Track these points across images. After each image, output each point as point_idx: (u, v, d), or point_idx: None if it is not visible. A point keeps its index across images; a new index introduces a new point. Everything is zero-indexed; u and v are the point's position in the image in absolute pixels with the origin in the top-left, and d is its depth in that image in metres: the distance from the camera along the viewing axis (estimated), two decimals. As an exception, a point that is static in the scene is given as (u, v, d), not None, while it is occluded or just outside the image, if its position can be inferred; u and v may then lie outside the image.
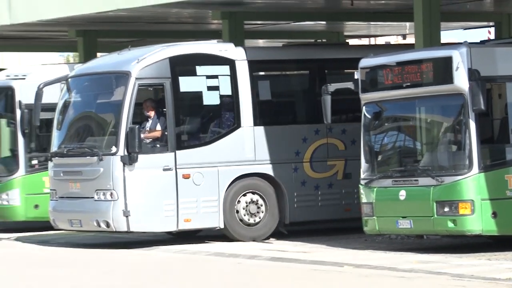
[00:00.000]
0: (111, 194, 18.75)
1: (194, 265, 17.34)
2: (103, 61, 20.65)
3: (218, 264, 17.24)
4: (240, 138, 19.44)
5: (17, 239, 21.49)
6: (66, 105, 19.74)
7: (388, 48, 22.55)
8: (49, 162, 19.96)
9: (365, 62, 17.13)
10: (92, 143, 19.13)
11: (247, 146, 19.50)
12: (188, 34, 25.71)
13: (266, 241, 19.66)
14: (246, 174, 19.45)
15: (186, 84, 19.29)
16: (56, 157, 19.52)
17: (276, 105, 20.09)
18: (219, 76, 19.49)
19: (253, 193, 19.54)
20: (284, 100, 20.37)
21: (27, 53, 41.46)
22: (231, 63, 19.37)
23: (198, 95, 19.44)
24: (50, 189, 19.78)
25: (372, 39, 36.07)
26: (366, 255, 17.15)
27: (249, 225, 19.61)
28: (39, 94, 19.91)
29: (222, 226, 19.28)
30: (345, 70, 20.81)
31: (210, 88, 19.45)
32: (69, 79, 19.67)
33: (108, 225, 18.81)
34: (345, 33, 27.58)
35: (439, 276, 14.61)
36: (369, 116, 17.75)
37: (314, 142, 19.94)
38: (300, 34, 26.42)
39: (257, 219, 19.62)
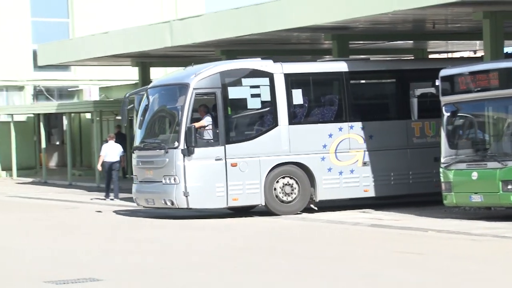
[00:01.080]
0: (174, 179, 19.64)
1: (316, 229, 18.36)
2: (173, 75, 22.17)
3: (331, 229, 18.30)
4: (278, 135, 20.22)
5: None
6: (144, 109, 20.77)
7: (455, 61, 22.30)
8: (132, 154, 21.17)
9: (445, 72, 17.77)
10: (161, 139, 20.35)
11: (283, 140, 20.23)
12: (305, 52, 26.41)
13: (366, 210, 20.55)
14: (282, 163, 20.21)
15: (234, 92, 20.13)
16: (136, 150, 20.72)
17: (307, 108, 20.71)
18: (260, 86, 20.27)
19: (288, 177, 20.25)
20: (313, 104, 20.93)
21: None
22: (270, 75, 20.26)
23: (243, 101, 20.24)
24: (133, 175, 21.13)
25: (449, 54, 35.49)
26: (445, 222, 18.28)
27: (284, 202, 20.16)
28: (125, 102, 20.84)
29: (263, 204, 20.15)
30: (362, 81, 21.95)
31: (253, 95, 20.24)
32: (148, 90, 21.03)
33: (172, 203, 19.87)
34: (428, 50, 27.71)
35: (504, 239, 15.91)
36: (447, 114, 18.73)
37: (338, 137, 20.56)
38: (392, 51, 27.19)
39: (290, 198, 20.20)
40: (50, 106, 36.80)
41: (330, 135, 20.39)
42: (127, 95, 21.16)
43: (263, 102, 20.21)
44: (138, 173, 20.69)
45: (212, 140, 19.70)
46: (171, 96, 20.32)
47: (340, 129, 20.46)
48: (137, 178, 20.71)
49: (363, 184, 20.57)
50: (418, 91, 19.32)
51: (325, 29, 22.63)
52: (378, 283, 11.78)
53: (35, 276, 12.97)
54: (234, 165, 19.67)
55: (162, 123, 20.71)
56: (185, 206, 19.67)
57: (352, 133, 20.53)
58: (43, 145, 35.40)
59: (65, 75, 40.44)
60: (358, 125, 20.57)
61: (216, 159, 19.61)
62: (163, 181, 19.74)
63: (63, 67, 37.67)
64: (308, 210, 20.35)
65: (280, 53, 27.14)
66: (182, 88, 19.80)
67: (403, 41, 26.68)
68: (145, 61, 30.29)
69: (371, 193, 20.70)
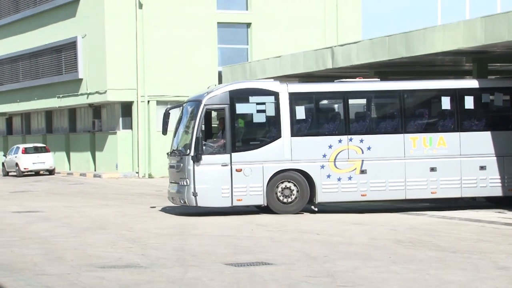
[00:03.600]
0: (186, 181, 19.53)
1: (458, 227, 17.29)
2: (195, 94, 21.37)
3: (469, 226, 17.26)
4: (280, 145, 19.75)
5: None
6: (177, 121, 20.68)
7: None
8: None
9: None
10: (180, 148, 20.12)
11: (285, 150, 19.76)
12: (448, 73, 24.96)
13: (500, 210, 19.72)
14: (284, 169, 19.77)
15: (241, 108, 19.82)
16: (168, 156, 20.68)
17: (309, 122, 20.18)
18: (266, 103, 19.88)
19: (287, 182, 19.78)
20: (314, 119, 20.36)
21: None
22: (276, 94, 19.86)
23: (249, 116, 19.95)
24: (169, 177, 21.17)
25: None
26: None
27: (283, 203, 19.74)
28: (166, 115, 20.52)
29: (265, 204, 19.73)
30: (360, 100, 20.86)
31: (259, 111, 19.92)
32: (183, 105, 20.80)
33: (184, 202, 19.75)
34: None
35: None
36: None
37: (338, 148, 19.88)
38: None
39: (290, 200, 19.76)
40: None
41: (330, 146, 19.75)
42: (167, 108, 20.77)
43: (268, 117, 19.83)
44: (169, 176, 20.71)
45: (219, 149, 19.49)
46: (191, 111, 19.98)
47: (340, 141, 19.78)
48: (169, 180, 20.71)
49: (360, 189, 19.80)
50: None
51: (466, 53, 21.65)
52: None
53: (218, 259, 12.79)
54: (239, 170, 19.39)
55: (184, 133, 20.11)
56: (194, 205, 19.44)
57: (351, 145, 19.81)
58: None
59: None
60: (357, 137, 19.83)
61: (223, 165, 19.36)
62: (180, 183, 19.75)
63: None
64: (309, 210, 19.93)
65: (426, 74, 26.24)
66: (197, 104, 19.66)
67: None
68: (310, 80, 29.94)
69: (368, 197, 19.95)
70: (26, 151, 42.66)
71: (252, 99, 19.83)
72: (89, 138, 43.33)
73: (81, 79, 42.01)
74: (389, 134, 20.06)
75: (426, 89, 20.73)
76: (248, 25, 41.45)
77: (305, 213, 20.01)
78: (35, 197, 26.88)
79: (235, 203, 19.49)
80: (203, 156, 19.30)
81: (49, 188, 31.95)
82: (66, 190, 30.53)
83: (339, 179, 19.74)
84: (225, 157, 19.41)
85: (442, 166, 19.91)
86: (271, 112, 19.77)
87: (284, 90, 19.87)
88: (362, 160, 19.77)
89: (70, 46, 42.80)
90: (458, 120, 20.13)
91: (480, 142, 20.03)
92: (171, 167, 20.45)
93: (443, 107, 20.14)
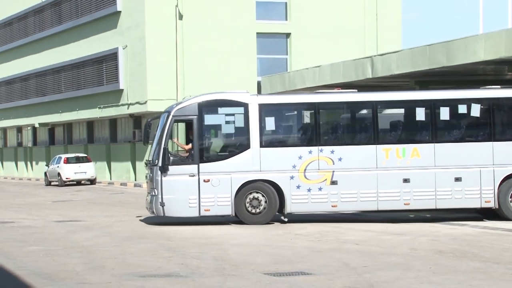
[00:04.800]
0: (155, 191, 19.67)
1: (501, 237, 17.06)
2: (170, 104, 21.82)
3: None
4: (249, 156, 19.63)
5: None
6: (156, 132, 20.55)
7: None
8: None
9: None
10: (151, 158, 19.97)
11: (254, 161, 19.63)
12: (489, 82, 24.82)
13: None
14: (252, 180, 19.64)
15: (210, 119, 19.91)
16: (145, 167, 20.83)
17: (278, 133, 20.25)
18: (235, 114, 19.90)
19: (256, 192, 19.67)
20: (284, 130, 20.60)
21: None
22: (245, 105, 19.75)
23: (218, 127, 20.24)
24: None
25: None
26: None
27: (252, 213, 19.67)
28: (146, 125, 20.50)
29: (233, 215, 19.72)
30: (330, 111, 20.73)
31: (228, 122, 20.06)
32: (160, 116, 20.69)
33: (153, 212, 19.90)
34: None
35: None
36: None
37: (308, 159, 19.67)
38: None
39: (258, 210, 19.67)
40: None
41: (300, 157, 19.54)
42: (148, 119, 20.69)
43: (237, 128, 19.88)
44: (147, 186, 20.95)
45: (187, 159, 19.54)
46: (162, 122, 19.92)
47: (310, 152, 19.59)
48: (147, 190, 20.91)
49: (330, 200, 19.59)
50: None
51: (508, 62, 21.41)
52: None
53: (257, 268, 12.74)
54: (206, 180, 19.33)
55: (156, 144, 19.88)
56: (162, 215, 19.54)
57: (321, 156, 19.58)
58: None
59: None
60: (327, 148, 19.63)
61: (190, 175, 19.34)
62: (151, 193, 19.88)
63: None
64: (279, 221, 19.92)
65: (466, 83, 26.01)
66: (167, 115, 19.75)
67: None
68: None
69: (339, 208, 19.76)
70: (68, 161, 43.08)
71: (221, 110, 19.90)
72: (129, 148, 43.65)
73: (122, 90, 42.37)
74: (361, 145, 19.84)
75: (399, 100, 20.39)
76: (288, 35, 41.46)
77: (275, 223, 19.90)
78: (77, 207, 27.09)
79: (203, 213, 19.46)
80: (171, 167, 19.34)
81: (90, 198, 32.19)
82: (107, 199, 30.73)
83: (309, 190, 19.55)
84: (192, 168, 19.38)
85: (415, 178, 19.60)
86: (240, 123, 19.77)
87: (254, 101, 19.74)
88: (333, 171, 19.56)
89: (111, 57, 43.21)
90: (433, 131, 19.81)
91: (456, 153, 19.70)
92: (146, 177, 20.68)
93: (418, 118, 19.80)
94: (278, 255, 14.34)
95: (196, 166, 19.38)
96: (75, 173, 42.69)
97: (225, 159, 19.54)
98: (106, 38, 43.77)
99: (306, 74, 29.09)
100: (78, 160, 43.34)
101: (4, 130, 61.75)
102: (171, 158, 19.48)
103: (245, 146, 19.60)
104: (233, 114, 19.85)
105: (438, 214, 20.95)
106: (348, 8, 42.22)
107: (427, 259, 13.57)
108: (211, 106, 19.79)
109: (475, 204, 19.77)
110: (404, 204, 19.62)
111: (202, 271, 12.48)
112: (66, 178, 42.62)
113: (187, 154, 19.84)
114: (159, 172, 19.39)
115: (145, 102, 40.09)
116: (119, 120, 45.58)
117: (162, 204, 19.38)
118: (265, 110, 19.79)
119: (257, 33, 41.00)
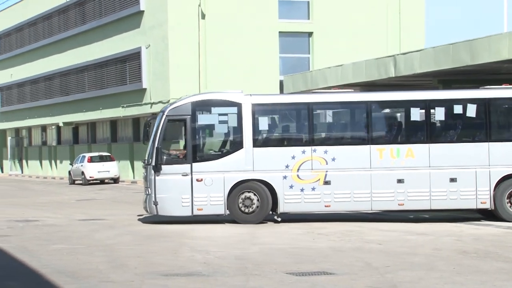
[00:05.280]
0: (148, 190, 19.83)
1: None
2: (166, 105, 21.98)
3: None
4: (243, 155, 19.63)
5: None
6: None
7: None
8: None
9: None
10: (146, 158, 20.08)
11: (247, 160, 19.64)
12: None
13: None
14: (245, 179, 19.66)
15: (203, 119, 20.01)
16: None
17: (271, 133, 20.22)
18: (229, 114, 19.95)
19: (248, 192, 19.69)
20: (278, 130, 20.44)
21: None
22: (238, 105, 19.77)
23: (211, 126, 20.22)
24: None
25: None
26: None
27: (245, 213, 19.69)
28: (146, 124, 20.64)
29: (227, 214, 19.75)
30: (323, 111, 20.78)
31: (221, 122, 20.10)
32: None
33: (147, 210, 20.08)
34: None
35: None
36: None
37: (301, 159, 19.62)
38: None
39: (251, 209, 19.69)
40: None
41: (293, 157, 19.51)
42: (148, 118, 20.89)
43: (230, 128, 19.90)
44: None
45: (180, 159, 19.64)
46: (157, 122, 20.09)
47: (303, 152, 19.55)
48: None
49: (324, 200, 19.51)
50: None
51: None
52: None
53: (279, 268, 12.71)
54: (199, 180, 19.37)
55: (151, 144, 19.98)
56: (155, 213, 19.71)
57: (315, 156, 19.51)
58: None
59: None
60: (321, 148, 19.57)
61: (183, 175, 19.38)
62: (145, 192, 20.05)
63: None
64: (273, 220, 19.94)
65: (490, 82, 25.80)
66: (161, 115, 19.93)
67: None
68: (372, 89, 29.72)
69: (332, 208, 19.66)
70: (91, 160, 43.25)
71: (214, 110, 20.00)
72: (152, 147, 43.63)
73: (145, 89, 42.50)
74: (355, 145, 19.79)
75: (394, 100, 20.28)
76: (310, 34, 41.38)
77: (268, 222, 19.88)
78: (100, 205, 27.19)
79: (196, 212, 19.50)
80: (164, 166, 19.43)
81: (114, 196, 32.29)
82: (130, 198, 30.81)
83: (302, 190, 19.51)
84: (185, 167, 19.42)
85: (410, 178, 19.47)
86: (233, 122, 19.78)
87: (247, 101, 19.74)
88: (326, 171, 19.49)
89: (134, 57, 43.34)
90: (428, 132, 19.68)
91: (451, 154, 19.53)
92: (142, 176, 20.92)
93: (412, 119, 19.70)
94: (300, 254, 14.31)
95: (189, 165, 19.42)
96: (98, 172, 42.87)
97: (218, 158, 19.58)
98: (129, 37, 43.91)
99: (329, 73, 29.01)
100: (101, 159, 43.46)
101: (29, 129, 62.14)
102: (165, 157, 19.60)
103: (238, 145, 19.61)
104: (226, 114, 19.90)
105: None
106: (371, 7, 42.06)
107: (450, 259, 13.48)
108: (205, 106, 19.89)
109: (471, 205, 19.62)
110: (398, 204, 19.54)
111: (225, 270, 12.48)
112: (90, 177, 42.80)
113: (183, 154, 19.84)
114: (152, 171, 19.52)
115: (168, 101, 40.03)
116: (142, 119, 45.64)
117: (156, 203, 19.52)
118: (259, 110, 19.81)
119: (279, 32, 40.92)
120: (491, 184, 19.39)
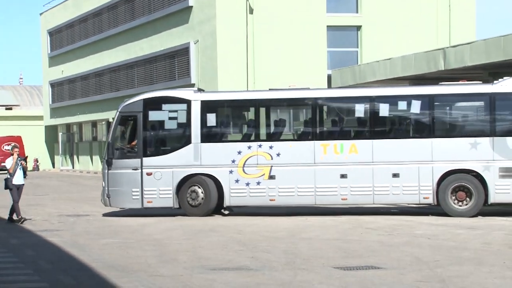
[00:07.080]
0: (103, 183, 20.77)
1: None
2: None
3: None
4: (190, 150, 20.34)
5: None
6: None
7: None
8: None
9: None
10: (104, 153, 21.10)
11: (195, 155, 20.34)
12: None
13: None
14: (193, 174, 20.39)
15: (153, 115, 20.62)
16: None
17: (218, 129, 20.70)
18: (178, 111, 20.60)
19: (194, 185, 20.44)
20: (225, 126, 20.97)
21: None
22: (188, 102, 20.45)
23: (161, 123, 20.80)
24: None
25: None
26: None
27: (192, 205, 20.47)
28: (117, 119, 21.05)
29: (176, 207, 20.55)
30: (272, 107, 20.86)
31: (171, 118, 20.69)
32: None
33: (102, 203, 20.96)
34: None
35: None
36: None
37: (247, 154, 20.20)
38: None
39: (197, 202, 20.46)
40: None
41: (239, 152, 20.12)
42: (113, 117, 21.42)
43: (179, 124, 20.56)
44: None
45: (131, 154, 20.36)
46: (113, 118, 21.01)
47: (249, 147, 20.10)
48: None
49: (268, 194, 20.01)
50: None
51: None
52: None
53: (327, 262, 12.72)
54: (149, 174, 20.16)
55: (106, 139, 21.15)
56: (108, 205, 20.73)
57: (260, 151, 20.04)
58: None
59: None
60: (266, 144, 20.06)
61: (133, 169, 20.18)
62: (102, 185, 20.92)
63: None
64: (220, 213, 20.72)
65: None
66: (117, 112, 20.71)
67: None
68: (421, 83, 29.50)
69: (276, 202, 20.13)
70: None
71: (165, 106, 20.56)
72: (201, 142, 43.96)
73: (193, 84, 42.66)
74: (299, 141, 20.19)
75: (338, 97, 20.61)
76: (358, 28, 41.17)
77: (216, 215, 20.45)
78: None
79: (146, 205, 20.36)
80: (115, 160, 20.37)
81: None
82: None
83: (247, 184, 20.06)
84: (136, 162, 20.28)
85: (353, 173, 19.69)
86: (182, 119, 20.42)
87: (197, 98, 20.36)
88: (271, 166, 19.97)
89: (183, 52, 43.63)
90: (371, 128, 19.87)
91: (394, 150, 19.62)
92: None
93: (357, 115, 20.01)
94: (348, 249, 14.31)
95: (139, 160, 20.26)
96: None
97: (167, 153, 20.32)
98: (178, 33, 44.20)
99: (377, 67, 28.86)
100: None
101: (80, 125, 62.98)
102: (117, 152, 20.44)
103: (187, 141, 20.29)
104: (176, 111, 20.55)
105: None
106: (420, -1, 41.72)
107: (500, 254, 13.34)
108: (156, 103, 20.56)
109: (414, 200, 19.78)
110: (342, 199, 19.87)
111: (273, 265, 12.54)
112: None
113: (132, 146, 20.66)
114: (105, 166, 20.54)
115: (217, 96, 40.27)
116: (191, 114, 45.90)
117: (108, 196, 20.54)
118: (207, 106, 20.39)
119: (327, 26, 40.78)
120: (434, 180, 19.49)
